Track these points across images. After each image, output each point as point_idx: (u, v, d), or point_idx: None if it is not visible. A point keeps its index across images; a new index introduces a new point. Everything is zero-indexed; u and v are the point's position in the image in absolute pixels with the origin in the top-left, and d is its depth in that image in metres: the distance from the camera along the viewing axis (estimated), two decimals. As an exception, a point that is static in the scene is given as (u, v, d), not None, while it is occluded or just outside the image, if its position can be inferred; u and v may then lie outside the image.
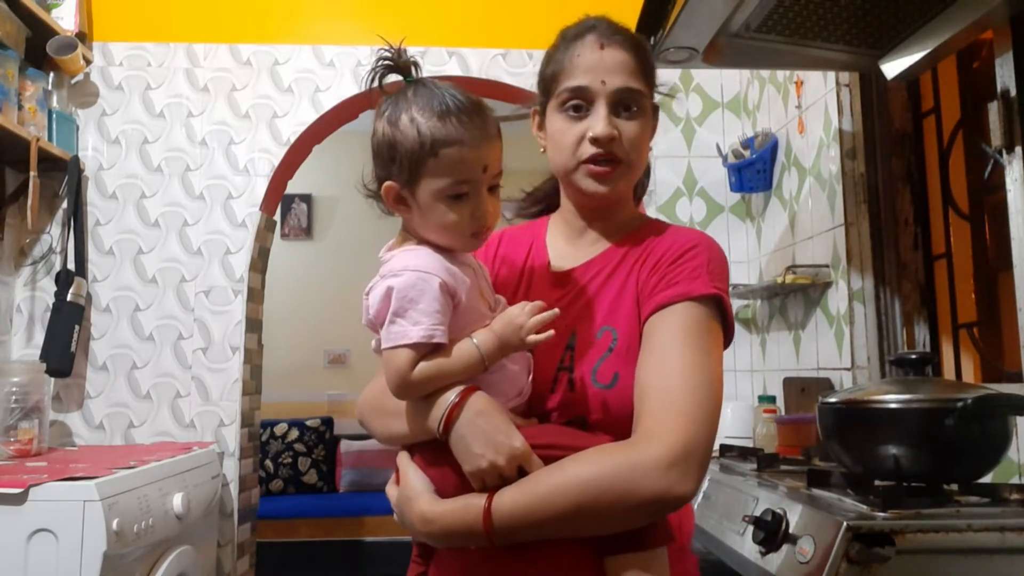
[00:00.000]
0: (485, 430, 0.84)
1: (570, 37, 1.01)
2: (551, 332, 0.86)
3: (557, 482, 0.83)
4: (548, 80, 1.02)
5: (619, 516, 0.83)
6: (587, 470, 0.83)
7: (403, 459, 0.93)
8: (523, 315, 0.87)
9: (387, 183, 0.89)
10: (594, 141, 0.96)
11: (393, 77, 0.92)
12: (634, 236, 1.02)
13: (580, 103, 0.98)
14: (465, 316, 0.88)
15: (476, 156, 0.87)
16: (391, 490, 0.95)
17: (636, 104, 0.98)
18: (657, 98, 1.05)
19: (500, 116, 0.93)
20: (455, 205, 0.87)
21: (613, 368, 0.91)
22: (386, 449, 4.55)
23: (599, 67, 0.97)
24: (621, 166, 0.98)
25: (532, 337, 0.86)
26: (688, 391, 0.86)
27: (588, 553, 0.86)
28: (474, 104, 0.89)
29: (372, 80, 0.91)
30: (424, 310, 0.84)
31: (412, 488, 0.89)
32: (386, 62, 0.91)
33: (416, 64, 0.92)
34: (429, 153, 0.85)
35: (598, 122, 0.96)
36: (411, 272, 0.85)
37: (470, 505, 0.85)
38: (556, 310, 0.88)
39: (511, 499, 0.83)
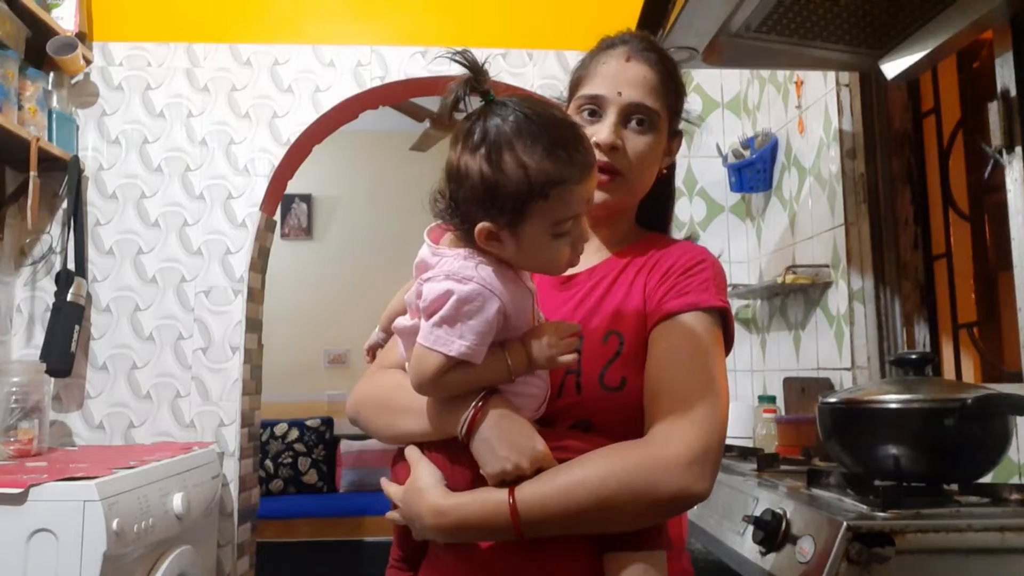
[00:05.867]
0: (509, 433, 0.84)
1: (604, 45, 1.04)
2: (575, 356, 0.87)
3: (578, 476, 0.84)
4: (573, 84, 1.05)
5: (638, 511, 0.84)
6: (607, 465, 0.85)
7: (414, 453, 0.92)
8: (555, 338, 0.86)
9: (483, 224, 0.83)
10: (595, 147, 0.97)
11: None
12: (636, 246, 1.04)
13: (595, 108, 1.00)
14: (507, 332, 0.87)
15: (583, 191, 0.84)
16: (390, 487, 0.94)
17: (648, 120, 1.00)
18: (682, 125, 1.07)
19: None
20: (558, 240, 0.85)
21: (621, 372, 0.93)
22: (387, 449, 4.54)
23: (619, 78, 0.99)
24: (619, 178, 0.99)
25: (562, 358, 0.86)
26: (701, 394, 0.88)
27: (591, 551, 0.87)
28: (571, 128, 0.85)
29: (454, 105, 0.84)
30: (474, 327, 0.82)
31: (423, 480, 0.89)
32: (465, 80, 0.83)
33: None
34: (539, 196, 0.81)
35: (603, 129, 0.98)
36: (477, 285, 0.82)
37: (488, 498, 0.85)
38: (577, 326, 0.89)
39: (531, 492, 0.84)
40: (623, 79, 0.99)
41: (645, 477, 0.83)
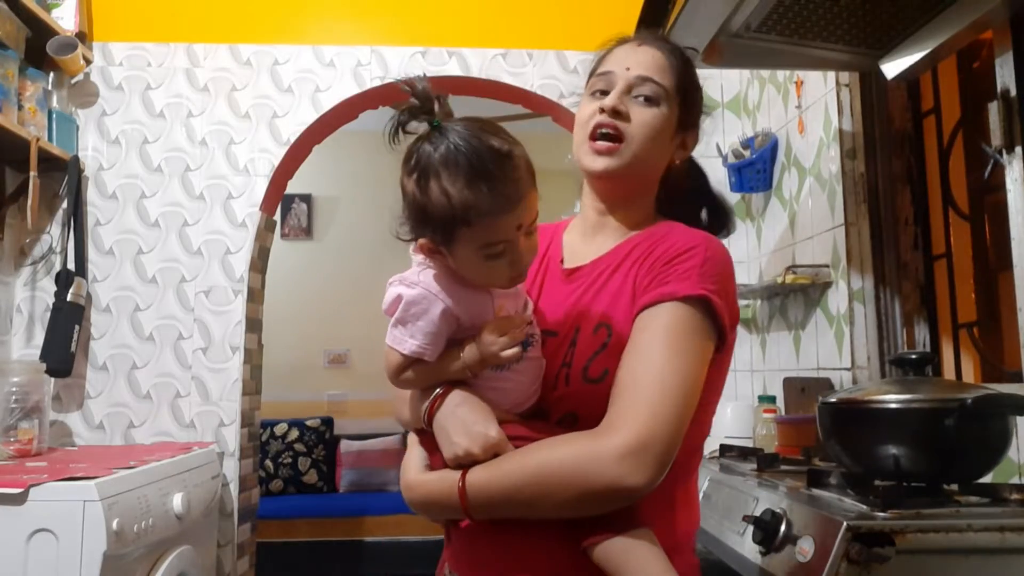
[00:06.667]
0: (463, 421, 0.90)
1: (620, 40, 1.08)
2: (518, 351, 0.90)
3: (520, 462, 0.88)
4: (589, 76, 1.08)
5: (570, 501, 0.86)
6: (548, 453, 0.88)
7: (412, 438, 1.02)
8: (494, 335, 0.90)
9: (421, 240, 0.90)
10: (600, 111, 1.00)
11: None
12: (641, 235, 1.03)
13: (604, 88, 1.03)
14: (465, 332, 0.92)
15: (510, 220, 0.86)
16: None
17: (654, 95, 1.01)
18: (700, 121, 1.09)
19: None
20: (492, 261, 0.88)
21: (604, 364, 0.93)
22: (386, 449, 4.56)
23: (629, 57, 1.03)
24: (623, 146, 1.00)
25: (504, 354, 0.89)
26: (657, 387, 0.87)
27: (564, 538, 0.89)
28: (504, 156, 0.85)
29: (394, 130, 0.88)
30: (422, 328, 0.90)
31: (410, 461, 0.99)
32: (411, 107, 0.87)
33: (440, 99, 0.88)
34: (462, 222, 0.85)
35: (609, 96, 1.01)
36: (422, 289, 0.89)
37: (445, 478, 0.92)
38: (526, 316, 0.94)
39: (478, 476, 0.89)
40: (632, 58, 1.03)
41: (578, 467, 0.85)
